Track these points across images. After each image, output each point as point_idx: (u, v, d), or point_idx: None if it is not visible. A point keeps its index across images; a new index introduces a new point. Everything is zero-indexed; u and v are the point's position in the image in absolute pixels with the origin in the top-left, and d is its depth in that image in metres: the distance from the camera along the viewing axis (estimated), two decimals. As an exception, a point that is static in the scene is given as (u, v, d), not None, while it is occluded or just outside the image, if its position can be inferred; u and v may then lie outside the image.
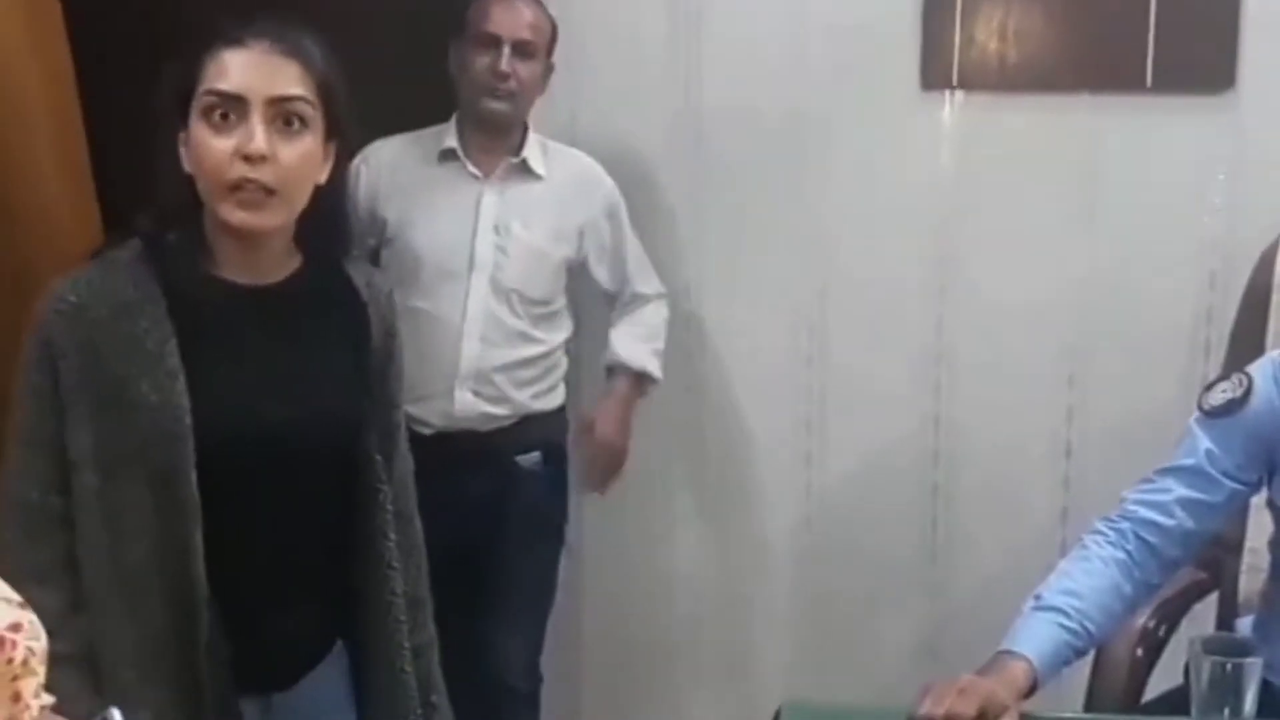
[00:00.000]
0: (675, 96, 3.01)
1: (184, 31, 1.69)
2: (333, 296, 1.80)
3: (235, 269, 1.70)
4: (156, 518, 1.63)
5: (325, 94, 1.69)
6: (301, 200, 1.70)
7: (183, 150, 1.67)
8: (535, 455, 2.78)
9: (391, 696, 1.83)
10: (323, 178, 1.72)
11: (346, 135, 1.75)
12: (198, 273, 1.69)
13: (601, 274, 2.85)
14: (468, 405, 2.66)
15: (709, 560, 3.18)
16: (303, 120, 1.66)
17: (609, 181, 2.82)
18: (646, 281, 2.89)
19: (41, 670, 1.06)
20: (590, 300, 2.92)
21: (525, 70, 2.66)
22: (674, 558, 3.19)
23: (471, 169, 2.71)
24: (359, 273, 1.85)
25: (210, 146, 1.63)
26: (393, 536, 1.82)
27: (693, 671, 3.22)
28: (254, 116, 1.63)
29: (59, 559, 1.65)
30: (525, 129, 2.74)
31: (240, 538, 1.69)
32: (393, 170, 2.71)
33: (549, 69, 2.74)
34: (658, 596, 3.20)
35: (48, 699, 1.07)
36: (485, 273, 2.67)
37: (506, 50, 2.63)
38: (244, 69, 1.64)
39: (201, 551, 1.64)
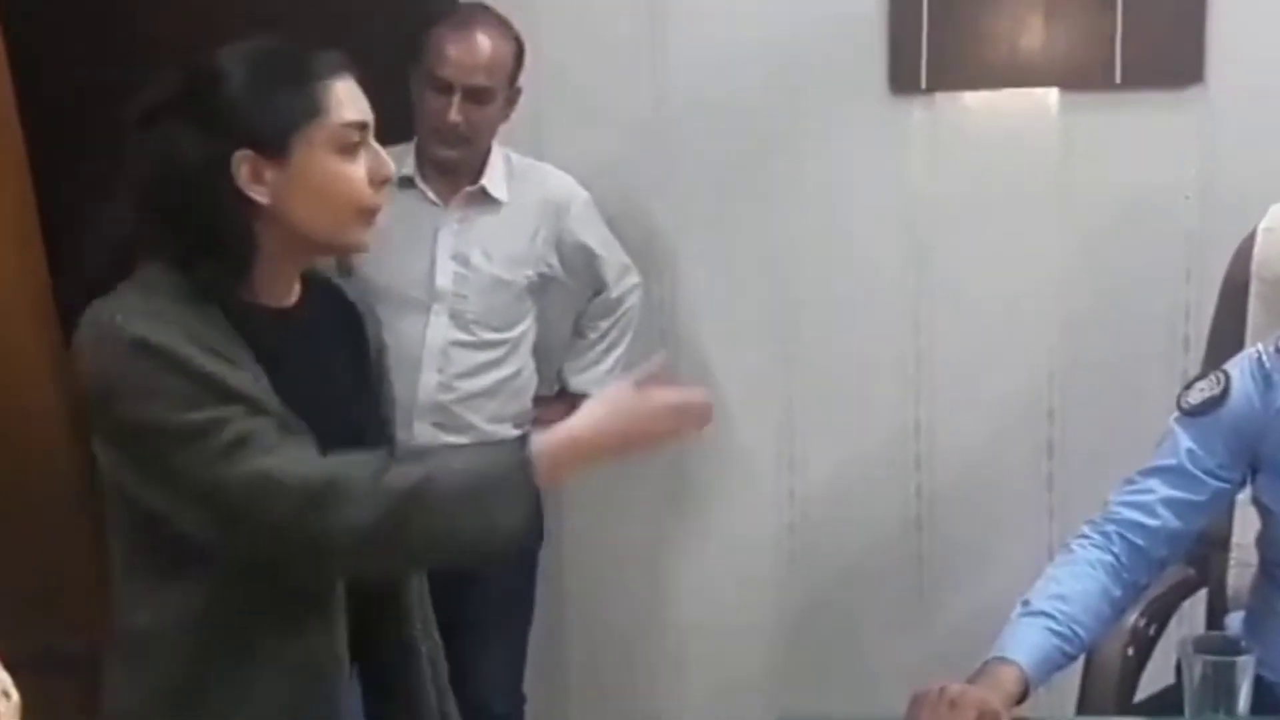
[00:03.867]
0: (642, 101, 3.00)
1: (130, 69, 1.66)
2: (338, 313, 1.82)
3: (269, 293, 1.70)
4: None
5: None
6: None
7: (252, 184, 1.62)
8: None
9: (412, 700, 1.84)
10: None
11: None
12: (240, 300, 1.66)
13: (577, 284, 2.82)
14: (427, 437, 2.61)
15: (692, 571, 3.17)
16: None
17: (581, 195, 2.77)
18: (620, 280, 2.84)
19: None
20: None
21: (479, 115, 2.58)
22: (657, 569, 3.18)
23: (431, 197, 2.66)
24: (351, 288, 1.88)
25: (349, 176, 1.66)
26: None
27: (680, 685, 3.20)
28: (370, 140, 1.68)
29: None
30: (487, 151, 2.68)
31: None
32: None
33: (514, 95, 2.67)
34: (642, 610, 3.19)
35: None
36: (445, 304, 2.64)
37: (457, 99, 2.55)
38: (358, 98, 1.68)
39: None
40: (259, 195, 1.63)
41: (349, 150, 1.66)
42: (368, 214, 1.69)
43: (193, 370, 1.56)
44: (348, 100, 1.66)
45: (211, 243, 1.63)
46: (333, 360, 1.78)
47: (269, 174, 1.63)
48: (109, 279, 1.64)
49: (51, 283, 2.69)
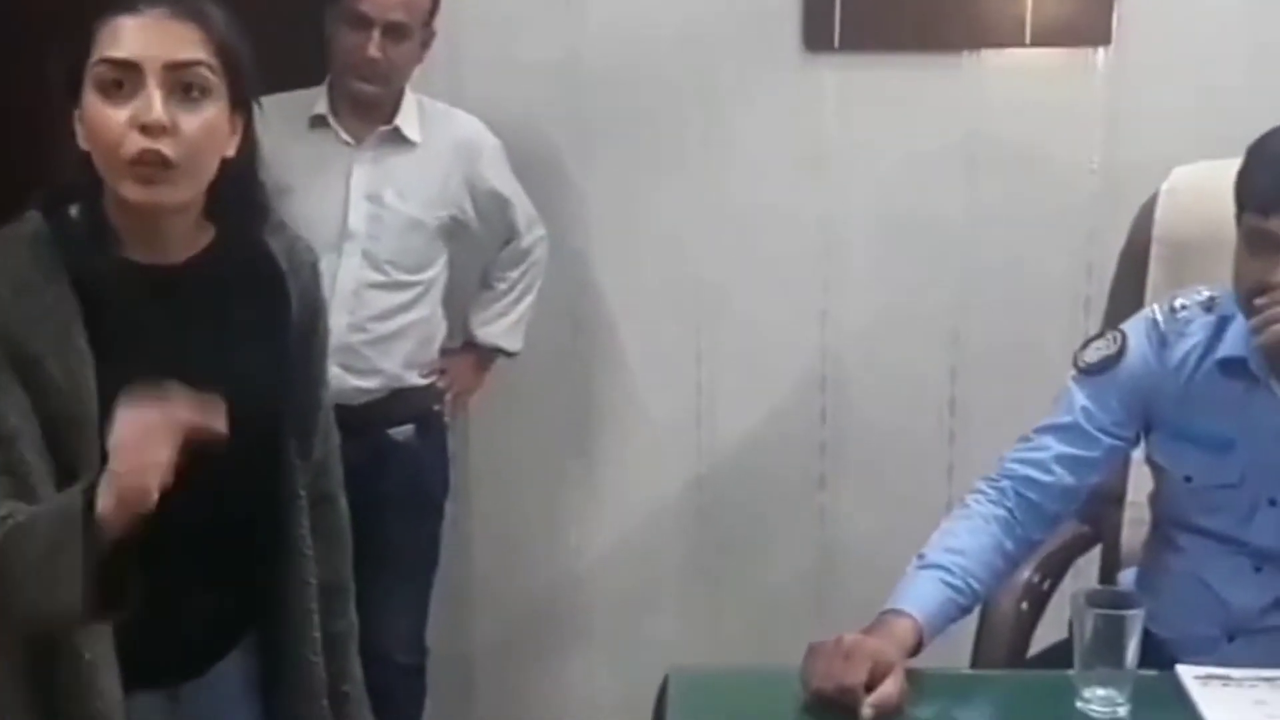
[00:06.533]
0: (557, 54, 2.97)
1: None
2: (248, 272, 1.71)
3: (140, 248, 1.61)
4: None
5: (228, 60, 1.59)
6: (206, 174, 1.60)
7: (77, 126, 1.58)
8: (409, 428, 2.74)
9: (298, 684, 1.78)
10: (231, 150, 1.62)
11: (253, 104, 1.65)
12: (101, 253, 1.59)
13: (489, 231, 2.80)
14: (334, 380, 2.58)
15: (599, 526, 3.17)
16: (204, 88, 1.56)
17: (491, 140, 2.76)
18: (530, 230, 2.83)
19: None
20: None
21: (397, 52, 2.57)
22: (565, 525, 3.18)
23: (344, 136, 2.64)
24: (279, 242, 1.74)
25: (105, 119, 1.53)
26: (305, 522, 1.76)
27: (585, 639, 3.22)
28: (150, 84, 1.53)
29: None
30: (401, 91, 2.66)
31: (149, 525, 1.58)
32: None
33: (429, 37, 2.65)
34: (548, 565, 3.19)
35: None
36: (357, 244, 2.61)
37: (376, 34, 2.53)
38: (138, 34, 1.54)
39: None
40: (81, 141, 1.58)
41: (107, 90, 1.54)
42: (127, 161, 1.53)
43: None
44: (121, 36, 1.54)
45: (64, 192, 1.60)
46: (228, 325, 1.68)
47: (80, 118, 1.58)
48: None
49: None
